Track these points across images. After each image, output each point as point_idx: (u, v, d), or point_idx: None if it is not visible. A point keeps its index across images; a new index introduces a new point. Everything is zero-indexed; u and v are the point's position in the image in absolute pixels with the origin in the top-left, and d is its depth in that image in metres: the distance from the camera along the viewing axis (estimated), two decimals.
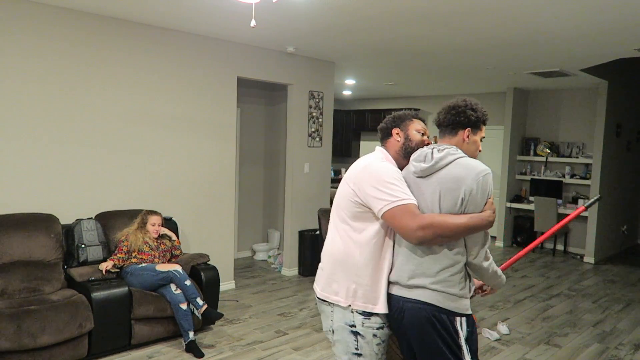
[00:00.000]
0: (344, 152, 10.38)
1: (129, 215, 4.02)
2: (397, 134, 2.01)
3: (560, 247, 7.65)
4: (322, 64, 5.78)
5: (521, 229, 7.83)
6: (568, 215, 2.24)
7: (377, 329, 1.88)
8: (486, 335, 4.05)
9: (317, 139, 5.81)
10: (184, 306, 3.57)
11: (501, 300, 5.07)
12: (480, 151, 1.97)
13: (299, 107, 5.59)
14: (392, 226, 1.81)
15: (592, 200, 2.44)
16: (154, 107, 4.36)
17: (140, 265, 3.68)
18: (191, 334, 3.55)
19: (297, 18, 3.89)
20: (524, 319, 4.53)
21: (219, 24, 4.18)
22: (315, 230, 5.70)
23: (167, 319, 3.65)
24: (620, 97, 7.09)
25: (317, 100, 5.77)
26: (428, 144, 2.01)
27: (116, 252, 3.75)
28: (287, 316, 4.38)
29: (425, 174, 1.85)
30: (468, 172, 1.78)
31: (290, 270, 5.74)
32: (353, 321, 1.88)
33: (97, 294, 3.32)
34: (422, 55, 5.24)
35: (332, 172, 9.75)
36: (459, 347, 1.80)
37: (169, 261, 3.98)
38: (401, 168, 1.96)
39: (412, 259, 1.84)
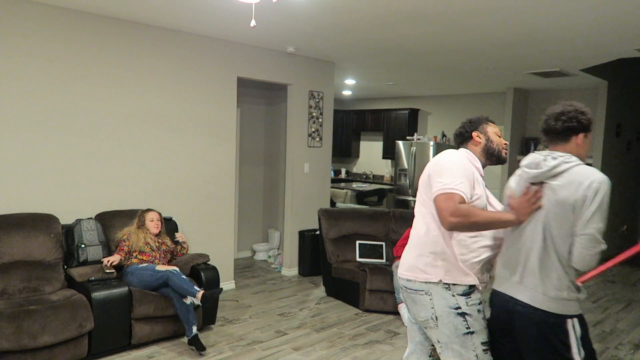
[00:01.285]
0: (344, 152, 10.38)
1: (129, 215, 4.02)
2: (478, 136, 2.15)
3: None
4: (322, 64, 5.78)
5: None
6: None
7: (479, 304, 2.00)
8: None
9: (317, 139, 5.81)
10: (187, 300, 3.57)
11: None
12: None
13: (299, 107, 5.59)
14: (436, 209, 1.93)
15: None
16: (154, 107, 4.36)
17: (140, 265, 3.69)
18: (194, 328, 3.55)
19: (297, 18, 3.89)
20: None
21: (219, 24, 4.18)
22: (315, 230, 5.70)
23: (167, 318, 3.65)
24: (620, 97, 7.09)
25: (317, 100, 5.77)
26: (506, 144, 2.15)
27: (117, 250, 3.76)
28: (287, 316, 4.38)
29: (536, 180, 1.89)
30: (582, 180, 1.78)
31: (290, 270, 5.74)
32: (457, 304, 1.96)
33: (97, 294, 3.32)
34: (422, 55, 5.24)
35: (332, 172, 9.76)
36: (568, 347, 1.82)
37: (169, 262, 3.98)
38: (484, 167, 2.13)
39: (523, 259, 1.89)
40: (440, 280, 1.97)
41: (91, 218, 3.86)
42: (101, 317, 3.31)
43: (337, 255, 4.97)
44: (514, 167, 7.88)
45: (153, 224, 3.92)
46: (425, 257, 2.02)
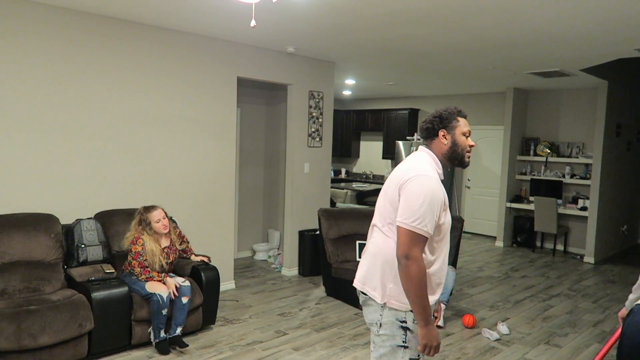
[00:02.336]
0: (344, 152, 10.38)
1: (129, 214, 3.99)
2: (444, 136, 2.01)
3: (560, 247, 7.65)
4: (322, 64, 5.78)
5: (521, 229, 7.83)
6: None
7: None
8: (486, 335, 4.05)
9: (317, 139, 5.81)
10: (185, 299, 3.57)
11: (501, 300, 5.07)
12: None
13: (299, 107, 5.59)
14: (397, 237, 1.89)
15: None
16: (154, 107, 4.36)
17: (133, 278, 3.59)
18: (179, 329, 3.57)
19: (297, 18, 3.89)
20: (524, 319, 4.53)
21: (219, 24, 4.18)
22: (315, 230, 5.69)
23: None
24: (620, 97, 7.10)
25: (317, 100, 5.77)
26: (472, 146, 2.03)
27: (136, 265, 3.55)
28: (287, 316, 4.38)
29: None
30: None
31: (290, 270, 5.74)
32: (405, 318, 1.95)
33: (97, 294, 3.32)
34: (422, 55, 5.24)
35: (332, 172, 9.76)
36: None
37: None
38: (444, 168, 2.02)
39: None
40: (385, 303, 1.97)
41: (91, 218, 3.85)
42: (101, 317, 3.31)
43: (337, 255, 4.97)
44: (513, 166, 7.90)
45: (160, 225, 3.66)
46: (378, 273, 1.99)
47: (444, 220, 1.96)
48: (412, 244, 1.85)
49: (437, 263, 2.00)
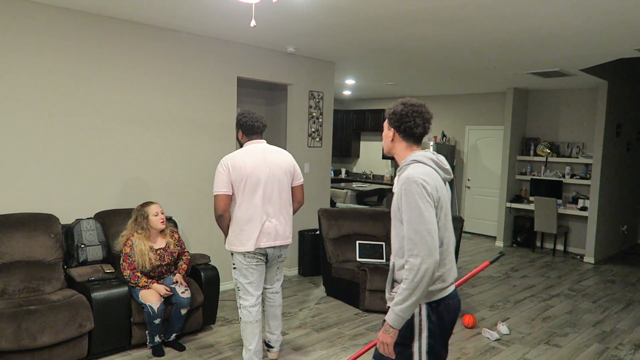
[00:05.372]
0: (344, 152, 10.38)
1: (129, 214, 3.98)
2: None
3: (560, 247, 7.65)
4: (322, 64, 5.78)
5: (521, 229, 7.83)
6: (476, 268, 2.42)
7: None
8: (486, 335, 4.04)
9: (317, 139, 5.81)
10: (183, 311, 3.57)
11: (501, 300, 5.07)
12: None
13: (299, 107, 5.59)
14: (301, 193, 3.44)
15: (496, 256, 2.65)
16: (154, 107, 4.36)
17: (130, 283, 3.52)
18: (173, 336, 3.60)
19: (297, 18, 3.89)
20: (524, 319, 4.53)
21: (219, 24, 4.18)
22: (315, 230, 5.69)
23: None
24: (620, 97, 7.09)
25: (317, 100, 5.77)
26: None
27: (123, 265, 3.48)
28: (287, 316, 4.38)
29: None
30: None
31: (290, 270, 5.74)
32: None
33: (97, 294, 3.32)
34: (422, 55, 5.24)
35: (332, 172, 9.75)
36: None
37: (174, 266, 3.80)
38: None
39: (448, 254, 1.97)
40: None
41: (91, 218, 3.85)
42: (101, 317, 3.31)
43: (337, 255, 4.97)
44: (513, 166, 7.90)
45: (158, 219, 3.55)
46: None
47: None
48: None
49: None
